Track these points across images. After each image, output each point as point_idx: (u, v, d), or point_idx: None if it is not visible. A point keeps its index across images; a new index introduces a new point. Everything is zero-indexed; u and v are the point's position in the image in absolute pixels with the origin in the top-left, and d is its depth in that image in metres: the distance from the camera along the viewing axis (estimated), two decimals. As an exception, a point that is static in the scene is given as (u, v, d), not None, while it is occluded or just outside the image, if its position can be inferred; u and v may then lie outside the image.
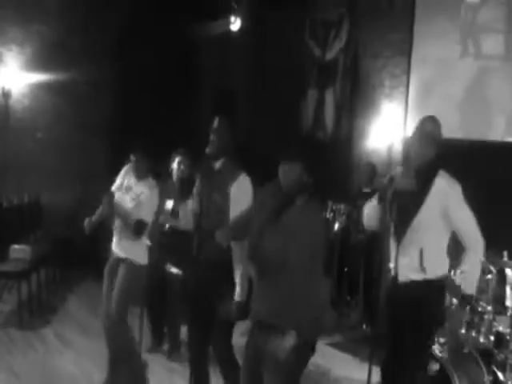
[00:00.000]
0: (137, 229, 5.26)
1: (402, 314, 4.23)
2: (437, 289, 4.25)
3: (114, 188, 5.50)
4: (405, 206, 4.18)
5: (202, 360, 4.69)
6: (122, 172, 5.55)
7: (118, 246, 5.42)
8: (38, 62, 9.77)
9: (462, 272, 4.18)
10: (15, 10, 9.66)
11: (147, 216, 5.32)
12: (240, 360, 4.11)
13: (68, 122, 10.01)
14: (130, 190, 5.40)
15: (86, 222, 5.30)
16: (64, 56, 9.82)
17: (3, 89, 9.61)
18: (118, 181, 5.54)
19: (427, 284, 4.18)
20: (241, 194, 4.43)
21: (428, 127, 4.28)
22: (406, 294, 4.22)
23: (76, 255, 9.37)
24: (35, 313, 7.58)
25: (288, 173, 3.72)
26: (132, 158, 5.39)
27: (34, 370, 5.91)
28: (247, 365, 3.87)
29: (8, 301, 7.74)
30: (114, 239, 5.47)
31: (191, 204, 4.85)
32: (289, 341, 3.62)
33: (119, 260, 5.38)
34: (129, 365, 5.33)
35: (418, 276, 4.18)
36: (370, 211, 4.36)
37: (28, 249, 7.66)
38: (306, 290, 3.66)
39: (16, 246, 7.65)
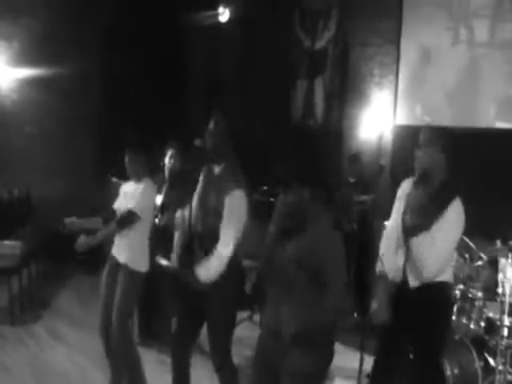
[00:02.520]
0: (122, 218, 5.01)
1: (416, 317, 4.18)
2: (447, 289, 4.24)
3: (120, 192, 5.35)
4: (415, 217, 4.10)
5: (186, 355, 4.62)
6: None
7: (119, 250, 5.21)
8: (27, 57, 9.70)
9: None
10: (2, 3, 9.58)
11: (137, 208, 5.00)
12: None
13: (57, 116, 9.96)
14: (125, 194, 5.21)
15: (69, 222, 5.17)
16: (52, 50, 9.75)
17: (-9, 84, 9.57)
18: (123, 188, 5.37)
19: (439, 285, 4.14)
20: (233, 211, 4.32)
21: (426, 136, 4.21)
22: (419, 298, 4.12)
23: (66, 249, 9.33)
24: (26, 308, 7.56)
25: (296, 201, 3.58)
26: (126, 158, 5.13)
27: (26, 366, 5.90)
28: (259, 377, 3.78)
29: (-2, 297, 7.72)
30: (115, 242, 5.27)
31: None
32: (310, 355, 3.59)
33: (118, 266, 5.17)
34: (126, 361, 5.20)
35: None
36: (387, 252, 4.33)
37: (18, 244, 7.61)
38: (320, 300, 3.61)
39: (6, 242, 7.60)
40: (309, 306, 3.58)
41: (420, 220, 4.06)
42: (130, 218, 5.01)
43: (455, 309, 5.20)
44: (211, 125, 4.45)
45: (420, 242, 4.02)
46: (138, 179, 5.16)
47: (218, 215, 4.35)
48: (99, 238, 5.10)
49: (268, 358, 3.74)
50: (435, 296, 4.11)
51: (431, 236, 4.00)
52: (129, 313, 5.19)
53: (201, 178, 4.55)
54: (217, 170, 4.49)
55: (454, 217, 4.05)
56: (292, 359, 3.60)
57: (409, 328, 4.26)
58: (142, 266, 5.19)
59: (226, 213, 4.32)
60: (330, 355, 3.74)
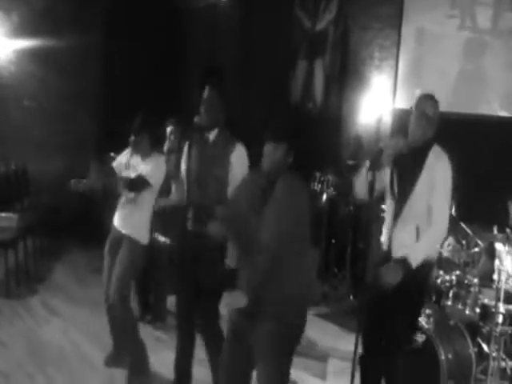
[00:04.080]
0: (134, 183, 5.04)
1: (393, 289, 4.21)
2: (428, 265, 4.23)
3: (114, 165, 5.33)
4: (402, 181, 4.16)
5: (190, 329, 4.71)
6: (125, 152, 5.36)
7: (122, 222, 5.25)
8: (25, 29, 9.61)
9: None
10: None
11: (149, 177, 5.04)
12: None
13: (55, 90, 9.89)
14: (133, 167, 5.20)
15: (75, 182, 5.18)
16: (51, 23, 9.67)
17: (-11, 55, 9.50)
18: (120, 159, 5.36)
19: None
20: (240, 164, 4.44)
21: (427, 107, 4.19)
22: None
23: (63, 224, 9.33)
24: (22, 282, 7.56)
25: (273, 154, 3.69)
26: (132, 136, 5.16)
27: (21, 340, 5.92)
28: (231, 353, 3.83)
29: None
30: (118, 214, 5.30)
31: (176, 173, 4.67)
32: (272, 326, 3.63)
33: (121, 237, 5.21)
34: (130, 341, 5.26)
35: None
36: (361, 182, 4.30)
37: (15, 217, 7.61)
38: (292, 270, 3.65)
39: (2, 214, 7.60)
40: (276, 278, 3.61)
41: (408, 182, 4.13)
42: (142, 183, 5.04)
43: (451, 294, 5.24)
44: (205, 93, 4.54)
45: (413, 203, 4.09)
46: (146, 155, 5.20)
47: (219, 181, 4.42)
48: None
49: (239, 333, 3.78)
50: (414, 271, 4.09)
51: (422, 193, 4.07)
52: (128, 284, 5.22)
53: (192, 149, 4.57)
54: (211, 136, 4.54)
55: (435, 161, 4.11)
56: (262, 334, 3.64)
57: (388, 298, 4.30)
58: (144, 237, 5.24)
59: (234, 168, 4.42)
60: (300, 328, 3.80)
